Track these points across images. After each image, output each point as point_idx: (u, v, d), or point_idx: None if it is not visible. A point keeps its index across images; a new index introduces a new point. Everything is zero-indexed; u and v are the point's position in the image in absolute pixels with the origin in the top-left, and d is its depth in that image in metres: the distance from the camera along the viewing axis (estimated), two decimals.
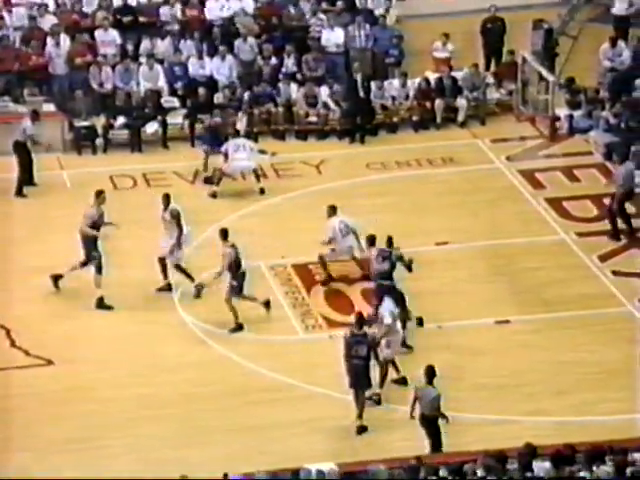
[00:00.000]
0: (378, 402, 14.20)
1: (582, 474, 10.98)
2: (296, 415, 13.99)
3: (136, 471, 12.19)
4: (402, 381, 14.50)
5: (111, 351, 15.17)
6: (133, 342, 15.35)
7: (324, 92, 20.45)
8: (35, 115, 18.63)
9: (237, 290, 15.54)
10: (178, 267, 16.20)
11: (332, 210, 16.46)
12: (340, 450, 13.30)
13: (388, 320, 14.34)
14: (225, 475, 11.23)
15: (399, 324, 14.56)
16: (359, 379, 13.74)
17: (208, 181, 18.68)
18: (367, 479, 11.50)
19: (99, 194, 16.28)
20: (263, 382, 14.58)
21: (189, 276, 16.21)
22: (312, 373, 14.66)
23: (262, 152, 18.89)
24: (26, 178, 18.59)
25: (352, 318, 14.30)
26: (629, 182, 17.57)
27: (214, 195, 18.46)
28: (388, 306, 14.51)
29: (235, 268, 15.54)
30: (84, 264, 15.97)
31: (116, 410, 14.09)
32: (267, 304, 15.83)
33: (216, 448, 13.44)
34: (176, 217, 16.11)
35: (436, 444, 13.04)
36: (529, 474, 11.17)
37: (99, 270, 15.90)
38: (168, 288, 16.23)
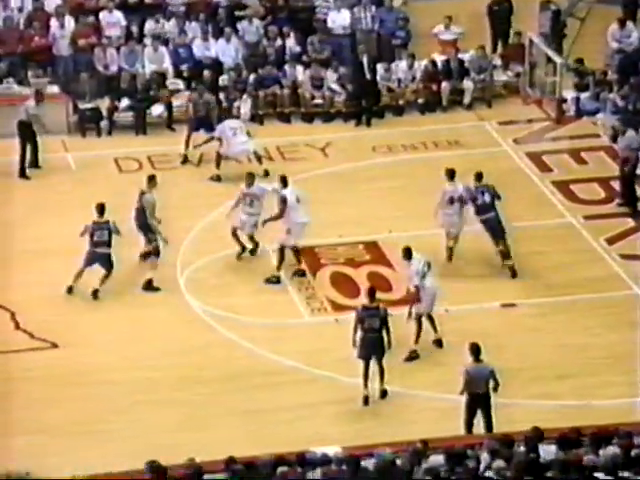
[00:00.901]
0: (416, 357, 14.40)
1: (589, 457, 10.92)
2: (301, 399, 13.95)
3: (140, 454, 12.09)
4: (438, 343, 14.62)
5: (116, 334, 15.12)
6: (138, 326, 15.30)
7: (330, 77, 20.31)
8: (39, 95, 18.54)
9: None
10: (251, 238, 16.24)
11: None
12: (345, 433, 13.26)
13: (416, 281, 14.51)
14: (230, 458, 11.19)
15: (429, 280, 14.64)
16: (374, 349, 13.81)
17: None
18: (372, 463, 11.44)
19: (152, 178, 16.17)
20: (268, 365, 14.55)
21: (253, 250, 16.20)
22: (317, 356, 14.62)
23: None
24: (32, 160, 18.50)
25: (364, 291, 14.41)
26: (630, 150, 17.45)
27: (218, 178, 18.36)
28: (415, 266, 14.62)
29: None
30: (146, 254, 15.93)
31: (121, 393, 14.07)
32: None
33: (221, 431, 13.43)
34: (282, 202, 15.87)
35: (490, 423, 13.06)
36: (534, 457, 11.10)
37: (157, 253, 15.82)
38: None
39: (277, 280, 15.99)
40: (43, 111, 18.48)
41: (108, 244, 15.66)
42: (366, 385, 13.87)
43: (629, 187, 17.62)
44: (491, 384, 13.05)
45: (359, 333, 13.90)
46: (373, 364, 13.90)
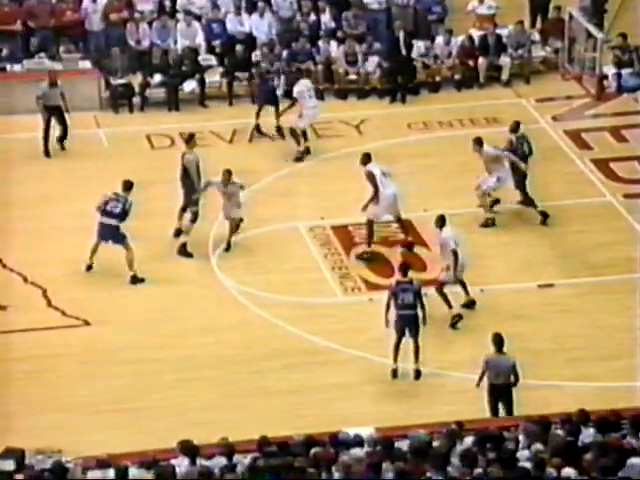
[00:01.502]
0: (459, 319, 14.55)
1: (628, 440, 10.71)
2: (334, 379, 13.84)
3: (173, 433, 12.06)
4: (470, 304, 14.67)
5: (148, 313, 15.06)
6: (170, 304, 15.22)
7: (371, 63, 19.82)
8: (52, 76, 18.12)
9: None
10: (370, 223, 15.95)
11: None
12: (379, 414, 13.14)
13: (452, 245, 14.51)
14: (263, 437, 11.10)
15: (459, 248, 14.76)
16: (410, 327, 13.68)
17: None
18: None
19: (190, 138, 16.19)
20: (301, 345, 14.44)
21: (370, 237, 15.90)
22: (351, 336, 14.50)
23: None
24: (60, 136, 18.22)
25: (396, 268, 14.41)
26: None
27: (307, 151, 17.86)
28: (449, 232, 14.62)
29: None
30: (184, 209, 15.89)
31: (153, 372, 14.01)
32: None
33: (254, 411, 13.36)
34: (370, 177, 15.73)
35: (510, 414, 12.85)
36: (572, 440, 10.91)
37: (195, 218, 15.78)
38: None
39: (367, 257, 15.75)
40: (56, 92, 18.01)
41: (117, 216, 15.37)
42: (396, 359, 13.75)
43: None
44: (512, 378, 12.76)
45: (392, 310, 13.74)
46: (406, 341, 13.74)
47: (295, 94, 18.00)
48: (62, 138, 18.34)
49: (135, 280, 15.50)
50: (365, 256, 15.92)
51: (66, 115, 18.14)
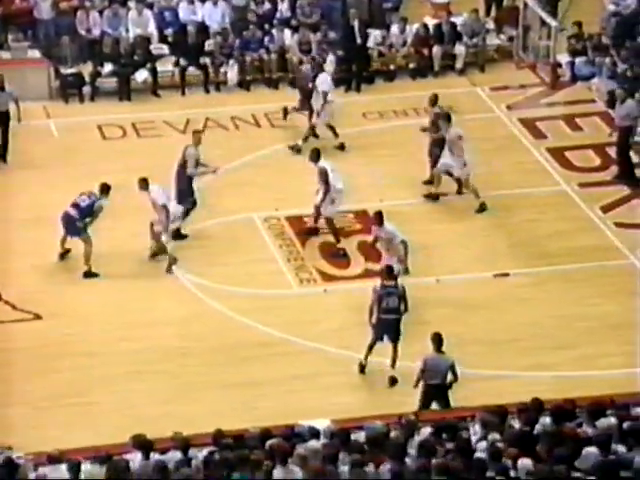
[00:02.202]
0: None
1: (584, 429, 10.71)
2: (290, 370, 13.74)
3: (127, 427, 11.93)
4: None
5: (101, 305, 14.87)
6: (123, 296, 15.04)
7: (329, 63, 19.53)
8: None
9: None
10: (330, 221, 15.79)
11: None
12: (336, 406, 13.04)
13: (400, 236, 14.55)
14: (218, 431, 10.98)
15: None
16: (391, 331, 13.49)
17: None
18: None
19: (196, 132, 16.14)
20: (257, 337, 14.32)
21: (336, 235, 15.78)
22: (307, 328, 14.40)
23: None
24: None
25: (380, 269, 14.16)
26: (631, 119, 17.14)
27: (299, 150, 17.60)
28: (391, 226, 14.66)
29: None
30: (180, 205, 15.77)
31: (106, 365, 13.84)
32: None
33: (209, 404, 13.23)
34: (322, 174, 15.59)
35: None
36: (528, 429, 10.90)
37: (189, 211, 15.74)
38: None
39: (343, 254, 15.65)
40: (4, 98, 17.25)
41: (80, 210, 15.16)
42: (367, 357, 13.59)
43: (626, 157, 17.26)
44: (449, 377, 12.66)
45: (375, 313, 13.52)
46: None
47: (321, 86, 17.61)
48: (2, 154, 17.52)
49: (88, 275, 15.31)
50: (341, 253, 15.75)
51: (17, 122, 17.37)
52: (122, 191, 16.33)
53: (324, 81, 17.89)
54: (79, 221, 15.20)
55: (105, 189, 15.39)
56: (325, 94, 17.73)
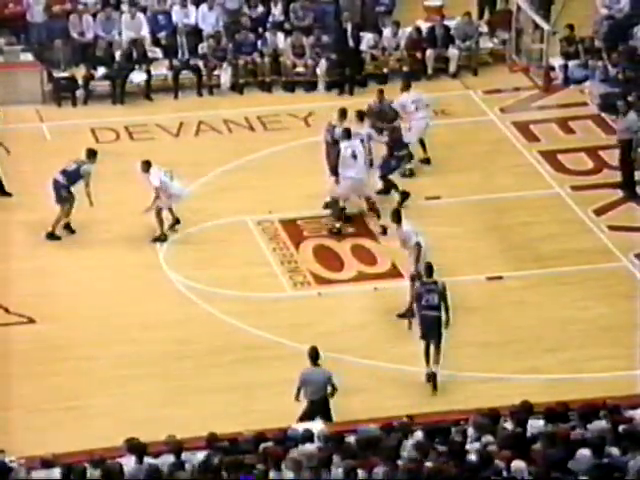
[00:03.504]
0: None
1: (577, 431, 10.74)
2: (283, 374, 13.64)
3: (120, 430, 11.92)
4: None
5: (94, 309, 14.83)
6: (116, 299, 15.01)
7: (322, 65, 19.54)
8: None
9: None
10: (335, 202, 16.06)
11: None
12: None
13: (415, 238, 14.41)
14: (212, 434, 10.96)
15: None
16: (432, 330, 13.43)
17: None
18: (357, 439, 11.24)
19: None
20: (250, 340, 14.29)
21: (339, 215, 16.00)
22: (300, 331, 14.36)
23: None
24: None
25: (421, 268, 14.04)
26: (631, 133, 17.10)
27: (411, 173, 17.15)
28: (408, 226, 14.57)
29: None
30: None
31: (99, 369, 13.82)
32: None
33: (201, 407, 13.20)
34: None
35: None
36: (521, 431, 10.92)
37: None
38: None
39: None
40: None
41: (66, 175, 15.65)
42: (428, 363, 13.46)
43: (627, 170, 17.11)
44: (328, 389, 12.58)
45: (416, 311, 13.50)
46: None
47: (397, 107, 17.40)
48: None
49: (51, 236, 15.73)
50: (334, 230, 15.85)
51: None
52: (116, 194, 16.38)
53: (402, 98, 17.40)
54: (64, 188, 15.69)
55: (91, 154, 15.84)
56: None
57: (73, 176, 15.67)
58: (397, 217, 14.68)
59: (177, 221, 16.05)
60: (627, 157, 17.05)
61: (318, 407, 12.55)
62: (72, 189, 15.77)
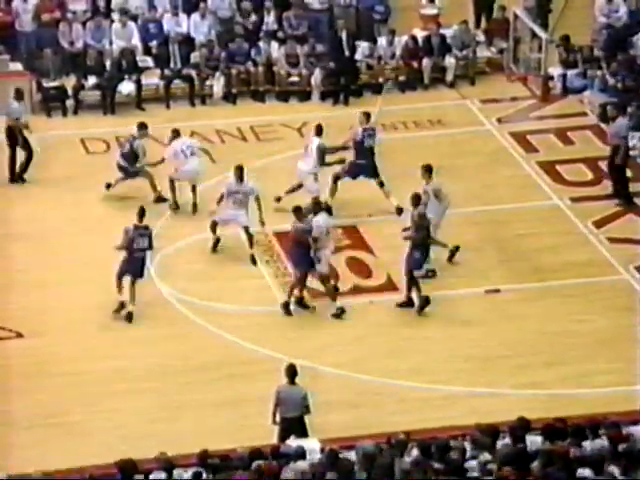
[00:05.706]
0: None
1: (575, 448, 10.49)
2: None
3: (111, 447, 11.75)
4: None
5: (84, 323, 14.61)
6: (107, 314, 14.75)
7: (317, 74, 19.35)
8: (19, 94, 17.24)
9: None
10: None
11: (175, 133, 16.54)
12: (324, 425, 12.74)
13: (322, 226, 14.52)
14: (204, 451, 10.71)
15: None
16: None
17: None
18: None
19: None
20: (243, 354, 14.10)
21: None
22: (294, 345, 14.16)
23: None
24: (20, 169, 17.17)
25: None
26: (619, 138, 16.92)
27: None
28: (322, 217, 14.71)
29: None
30: None
31: (90, 383, 13.60)
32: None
33: (195, 422, 13.00)
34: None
35: None
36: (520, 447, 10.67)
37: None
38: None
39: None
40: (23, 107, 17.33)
41: (125, 157, 16.51)
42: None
43: (618, 175, 16.98)
44: (303, 409, 12.32)
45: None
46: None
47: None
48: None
49: (159, 199, 16.40)
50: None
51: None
52: (105, 205, 16.13)
53: None
54: (130, 167, 16.43)
55: (142, 126, 16.59)
56: None
57: (131, 156, 16.28)
58: (416, 200, 14.84)
59: (161, 199, 16.41)
60: (615, 162, 16.85)
61: (294, 425, 12.30)
62: (138, 165, 16.36)
